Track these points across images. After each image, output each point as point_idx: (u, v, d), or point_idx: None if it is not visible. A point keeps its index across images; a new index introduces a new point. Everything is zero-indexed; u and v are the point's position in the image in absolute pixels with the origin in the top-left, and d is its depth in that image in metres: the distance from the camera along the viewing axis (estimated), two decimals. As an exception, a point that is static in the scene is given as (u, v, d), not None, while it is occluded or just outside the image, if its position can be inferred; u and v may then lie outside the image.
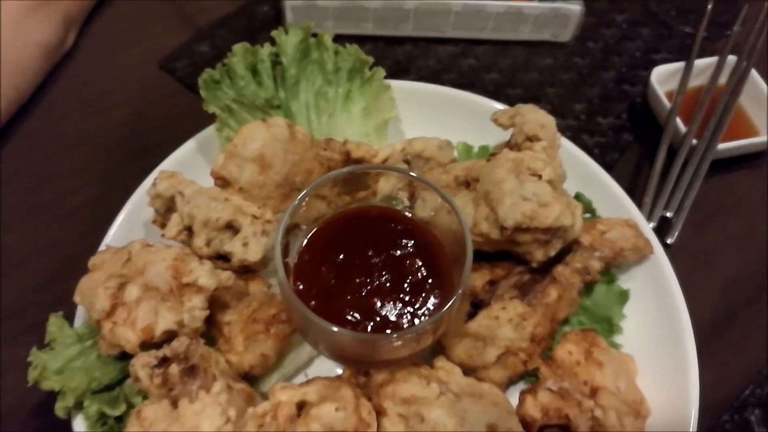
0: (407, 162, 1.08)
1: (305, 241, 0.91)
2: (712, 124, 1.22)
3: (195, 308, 0.87)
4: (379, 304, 0.84)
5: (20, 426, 0.99)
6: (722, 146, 1.21)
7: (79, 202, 1.19)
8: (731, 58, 1.31)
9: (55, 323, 0.91)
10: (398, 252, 0.90)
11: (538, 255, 0.94)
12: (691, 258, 1.14)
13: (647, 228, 1.06)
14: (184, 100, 1.34)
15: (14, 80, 1.23)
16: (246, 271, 0.98)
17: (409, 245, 0.91)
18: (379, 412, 0.85)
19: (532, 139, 1.01)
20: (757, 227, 1.20)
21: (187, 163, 1.10)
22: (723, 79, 1.31)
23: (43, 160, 1.26)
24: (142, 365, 0.84)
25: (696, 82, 1.32)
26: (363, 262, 0.88)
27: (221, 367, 0.88)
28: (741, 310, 1.12)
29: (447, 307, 0.80)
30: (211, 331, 0.94)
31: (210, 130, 1.13)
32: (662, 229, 1.15)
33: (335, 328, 0.78)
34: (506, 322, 0.92)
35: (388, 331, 0.82)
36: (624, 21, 1.50)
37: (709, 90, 1.28)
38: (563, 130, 1.30)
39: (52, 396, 0.87)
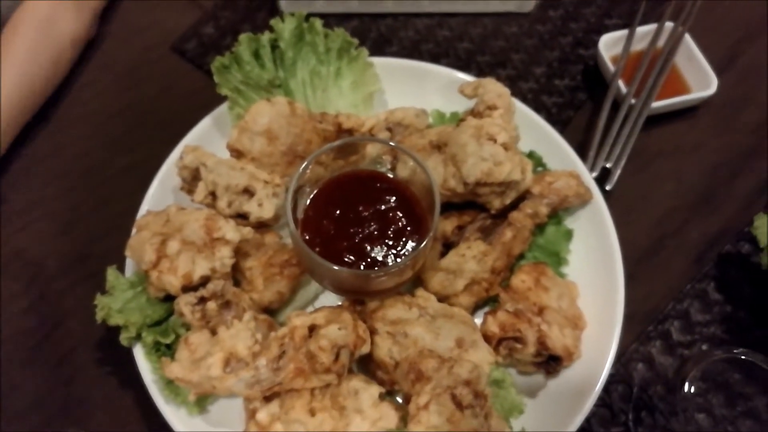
0: (389, 129, 1.30)
1: (309, 200, 1.14)
2: (649, 85, 1.43)
3: (224, 257, 1.10)
4: (369, 247, 1.08)
5: (86, 359, 1.23)
6: (657, 104, 1.42)
7: (116, 169, 1.41)
8: (669, 24, 1.50)
9: (112, 274, 1.14)
10: (383, 206, 1.12)
11: (496, 203, 1.17)
12: (627, 200, 1.37)
13: (588, 177, 1.28)
14: (195, 78, 1.54)
15: (48, 73, 1.42)
16: (261, 226, 1.21)
17: (391, 200, 1.13)
18: (372, 332, 1.09)
19: (491, 107, 1.22)
20: (685, 170, 1.42)
21: (205, 137, 1.31)
22: (662, 43, 1.50)
23: (80, 135, 1.47)
24: (185, 303, 1.08)
25: (640, 46, 1.51)
26: (356, 215, 1.11)
27: (247, 304, 1.12)
28: (668, 239, 1.35)
29: (422, 246, 1.03)
30: (236, 276, 1.18)
31: (222, 108, 1.33)
32: (603, 177, 1.37)
33: (336, 267, 1.01)
34: (471, 258, 1.16)
35: (377, 268, 1.06)
36: (581, -12, 1.68)
37: (648, 53, 1.47)
38: (525, 92, 1.52)
39: (110, 333, 1.11)
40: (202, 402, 1.10)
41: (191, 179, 1.22)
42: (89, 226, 1.36)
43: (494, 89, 1.23)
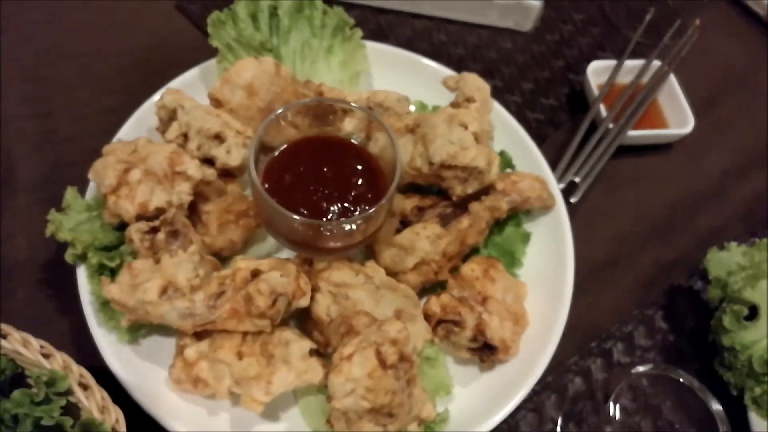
0: (369, 108, 1.32)
1: (276, 153, 1.15)
2: (628, 113, 1.47)
3: (182, 192, 1.11)
4: (326, 206, 1.09)
5: (29, 277, 1.23)
6: (633, 133, 1.45)
7: (98, 108, 1.43)
8: (656, 62, 1.55)
9: (70, 193, 1.15)
10: (348, 170, 1.14)
11: (458, 190, 1.19)
12: (589, 217, 1.39)
13: (554, 186, 1.31)
14: (192, 37, 1.57)
15: None
16: (226, 174, 1.22)
17: (357, 167, 1.15)
18: (315, 289, 1.10)
19: (469, 99, 1.25)
20: (649, 199, 1.45)
21: (190, 86, 1.33)
22: (647, 79, 1.55)
23: (66, 71, 1.49)
24: (135, 230, 1.09)
25: (626, 79, 1.56)
26: (319, 175, 1.13)
27: (196, 238, 1.12)
28: (622, 260, 1.37)
29: (375, 208, 1.04)
30: (193, 218, 1.18)
31: (211, 63, 1.36)
32: (569, 191, 1.40)
33: (288, 213, 1.02)
34: (425, 238, 1.17)
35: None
36: (580, 19, 1.74)
37: (632, 85, 1.52)
38: (509, 104, 1.55)
39: (58, 256, 1.12)
40: (135, 333, 1.10)
41: (167, 120, 1.24)
42: (59, 153, 1.37)
43: (474, 83, 1.27)
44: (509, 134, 1.36)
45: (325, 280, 1.11)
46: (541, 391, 1.23)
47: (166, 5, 1.62)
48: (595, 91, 1.50)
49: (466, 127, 1.17)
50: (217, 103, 1.25)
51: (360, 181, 1.13)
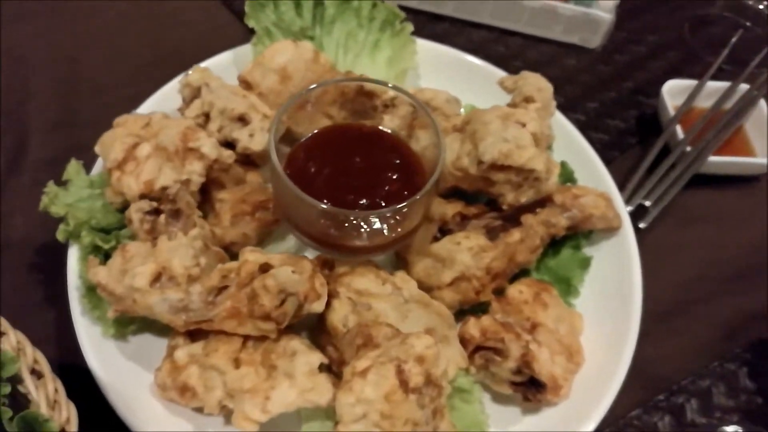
0: (413, 105, 1.18)
1: (303, 139, 1.02)
2: (709, 136, 1.28)
3: (194, 172, 0.98)
4: (353, 199, 0.93)
5: (19, 261, 1.11)
6: (714, 158, 1.27)
7: (126, 96, 1.31)
8: (743, 86, 1.37)
9: (73, 166, 1.03)
10: (382, 163, 0.99)
11: (509, 197, 1.02)
12: (658, 248, 1.19)
13: (621, 205, 1.12)
14: (235, 32, 1.47)
15: None
16: (247, 162, 1.09)
17: (394, 161, 1.00)
18: (332, 295, 0.93)
19: (528, 100, 1.10)
20: (728, 238, 1.25)
21: (222, 70, 1.20)
22: (731, 104, 1.37)
23: (100, 57, 1.42)
24: (136, 210, 0.96)
25: (706, 103, 1.38)
26: (348, 164, 0.98)
27: (205, 233, 0.98)
28: (695, 306, 1.16)
29: (407, 202, 0.88)
30: (205, 207, 1.05)
31: (246, 47, 1.25)
32: (638, 215, 1.21)
33: (309, 198, 0.87)
34: (466, 249, 1.00)
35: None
36: (654, 42, 1.58)
37: (714, 108, 1.34)
38: (571, 122, 1.39)
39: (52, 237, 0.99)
40: (123, 328, 0.95)
41: (191, 99, 1.12)
42: (75, 136, 1.26)
43: (535, 82, 1.12)
44: (570, 146, 1.20)
45: (346, 285, 0.94)
46: (593, 448, 1.02)
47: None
48: (671, 110, 1.32)
49: (523, 126, 1.01)
50: (246, 85, 1.13)
51: (395, 176, 0.98)
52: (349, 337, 0.85)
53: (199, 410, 0.89)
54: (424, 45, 1.30)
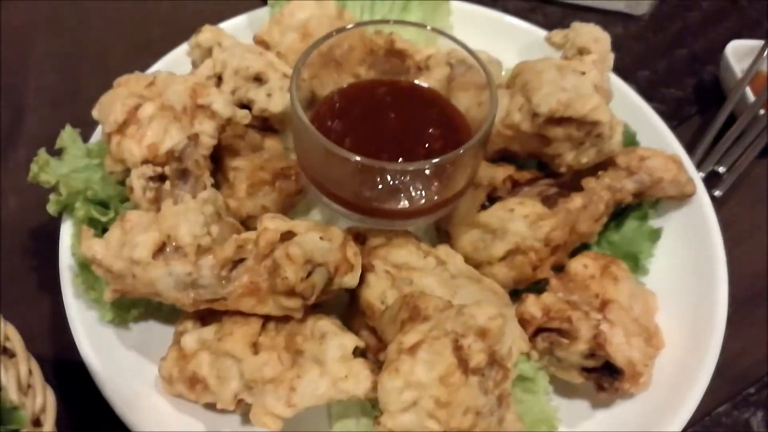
0: (450, 65, 1.05)
1: (330, 94, 0.89)
2: (785, 98, 1.14)
3: (204, 133, 0.85)
4: (387, 158, 0.80)
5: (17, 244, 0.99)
6: (792, 121, 1.12)
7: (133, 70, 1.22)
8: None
9: (68, 134, 0.92)
10: (420, 120, 0.86)
11: (569, 157, 0.88)
12: (736, 227, 1.03)
13: (693, 169, 0.98)
14: (254, 6, 1.36)
15: None
16: (265, 127, 0.96)
17: (434, 118, 0.87)
18: (367, 269, 0.79)
19: (583, 51, 0.97)
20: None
21: (237, 34, 1.10)
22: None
23: (105, 33, 1.31)
24: (138, 176, 0.83)
25: (773, 66, 1.24)
26: (382, 121, 0.85)
27: (219, 204, 0.85)
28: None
29: (450, 155, 0.75)
30: (217, 177, 0.92)
31: (263, 10, 1.13)
32: (711, 182, 1.06)
33: (338, 149, 0.73)
34: (521, 217, 0.86)
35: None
36: (709, 6, 1.44)
37: (787, 68, 1.20)
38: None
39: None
40: (123, 313, 0.82)
41: (202, 62, 1.00)
42: (76, 112, 1.12)
43: (590, 32, 0.98)
44: (629, 108, 1.06)
45: (382, 258, 0.80)
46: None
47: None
48: (738, 74, 1.18)
49: (582, 74, 0.87)
50: (264, 46, 1.01)
51: (436, 134, 0.84)
52: (391, 313, 0.71)
53: (212, 407, 0.75)
54: (458, 6, 1.17)
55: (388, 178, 0.76)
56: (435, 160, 0.75)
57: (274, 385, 0.71)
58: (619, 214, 0.96)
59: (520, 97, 0.89)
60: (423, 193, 0.78)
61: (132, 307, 0.82)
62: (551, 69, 0.88)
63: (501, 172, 0.91)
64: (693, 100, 1.27)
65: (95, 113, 0.91)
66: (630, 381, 0.78)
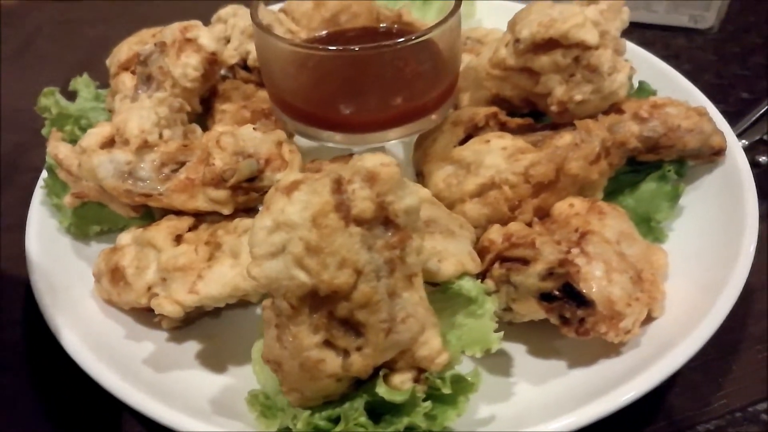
0: (464, 43, 1.02)
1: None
2: None
3: (188, 65, 0.87)
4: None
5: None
6: None
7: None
8: None
9: (83, 80, 0.98)
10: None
11: (559, 92, 0.79)
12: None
13: (723, 123, 0.84)
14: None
15: None
16: (261, 81, 0.97)
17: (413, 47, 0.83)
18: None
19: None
20: None
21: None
22: None
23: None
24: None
25: None
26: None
27: (175, 102, 0.82)
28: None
29: (415, 35, 0.71)
30: (207, 121, 0.93)
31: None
32: (755, 151, 0.90)
33: (304, 45, 0.72)
34: (498, 149, 0.77)
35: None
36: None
37: None
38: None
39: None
40: (83, 225, 0.81)
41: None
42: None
43: (603, -14, 0.91)
44: (651, 69, 0.95)
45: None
46: None
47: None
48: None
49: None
50: (286, 15, 1.06)
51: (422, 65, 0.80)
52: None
53: (133, 305, 0.70)
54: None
55: (349, 67, 0.73)
56: (386, 42, 0.71)
57: (183, 273, 0.66)
58: (636, 173, 0.84)
59: (508, 34, 0.83)
60: (389, 96, 0.74)
61: (92, 222, 0.82)
62: (543, 6, 0.82)
63: (483, 110, 0.83)
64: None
65: (108, 61, 0.98)
66: (607, 322, 0.63)
